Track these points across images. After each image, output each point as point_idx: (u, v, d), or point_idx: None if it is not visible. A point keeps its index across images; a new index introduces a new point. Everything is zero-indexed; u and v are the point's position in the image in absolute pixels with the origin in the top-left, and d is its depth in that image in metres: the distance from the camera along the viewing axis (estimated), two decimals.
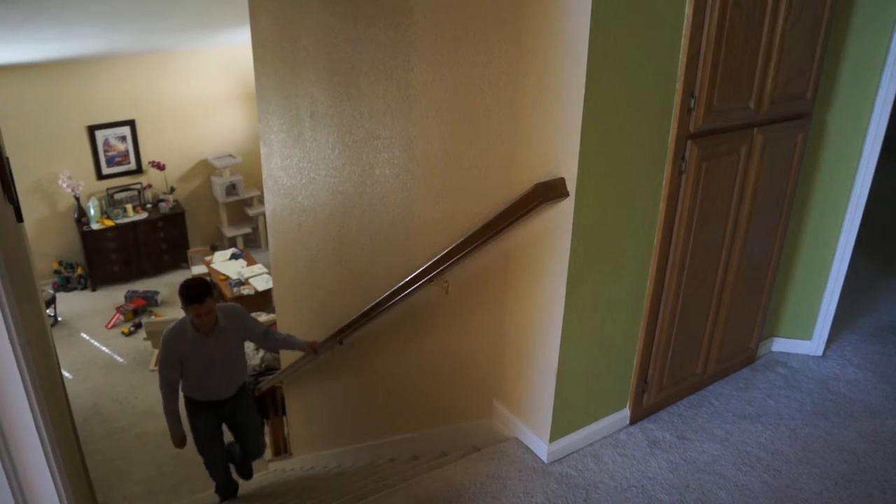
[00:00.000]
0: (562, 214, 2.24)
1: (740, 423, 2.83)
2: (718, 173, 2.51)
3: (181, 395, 3.58)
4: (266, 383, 4.80)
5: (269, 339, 3.71)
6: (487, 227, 2.41)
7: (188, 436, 3.68)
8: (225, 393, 3.62)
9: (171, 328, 3.41)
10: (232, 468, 4.14)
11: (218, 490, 4.12)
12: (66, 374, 6.33)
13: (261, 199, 8.73)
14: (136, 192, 8.16)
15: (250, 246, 8.95)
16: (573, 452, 2.65)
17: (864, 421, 2.84)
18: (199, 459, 3.83)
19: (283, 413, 4.94)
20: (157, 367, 3.51)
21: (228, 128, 8.62)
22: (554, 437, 2.58)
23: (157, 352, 6.71)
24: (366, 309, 3.11)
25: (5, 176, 2.47)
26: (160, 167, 8.13)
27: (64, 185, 7.52)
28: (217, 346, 3.45)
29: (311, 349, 3.60)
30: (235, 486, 4.18)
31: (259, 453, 4.01)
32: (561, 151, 2.19)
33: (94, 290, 8.02)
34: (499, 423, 2.88)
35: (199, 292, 3.26)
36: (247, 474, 4.22)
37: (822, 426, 2.81)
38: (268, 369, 5.22)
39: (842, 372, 3.18)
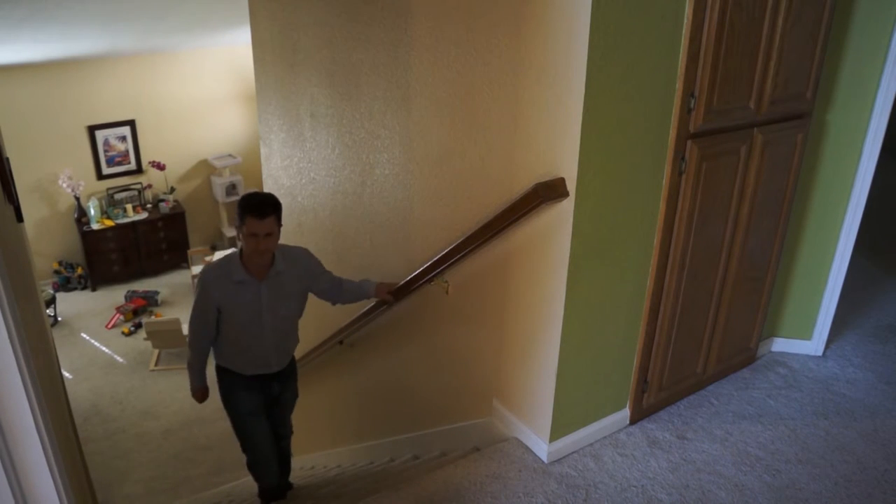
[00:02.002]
0: (562, 214, 2.24)
1: (740, 423, 2.83)
2: (718, 173, 2.51)
3: (214, 366, 2.92)
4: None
5: (339, 289, 2.91)
6: (487, 227, 2.41)
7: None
8: (275, 364, 2.85)
9: (213, 265, 2.68)
10: None
11: (264, 493, 3.27)
12: (66, 374, 6.33)
13: None
14: (136, 192, 8.16)
15: None
16: (573, 452, 2.65)
17: (864, 421, 2.84)
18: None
19: None
20: (189, 320, 2.75)
21: (228, 128, 8.62)
22: (554, 437, 2.58)
23: (157, 353, 6.71)
24: (366, 309, 3.11)
25: (5, 176, 2.47)
26: (160, 167, 8.13)
27: (64, 185, 7.52)
28: (270, 298, 2.67)
29: (388, 295, 2.88)
30: (288, 486, 3.42)
31: (290, 433, 3.29)
32: (561, 151, 2.19)
33: (94, 290, 8.02)
34: (499, 423, 2.88)
35: (262, 201, 2.50)
36: (283, 470, 3.36)
37: (822, 426, 2.81)
38: None
39: (842, 372, 3.18)
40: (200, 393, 2.96)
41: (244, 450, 3.04)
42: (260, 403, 2.92)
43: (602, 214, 2.29)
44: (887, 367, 3.21)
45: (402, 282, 2.82)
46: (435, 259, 2.63)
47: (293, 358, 3.03)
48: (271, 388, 2.92)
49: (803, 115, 2.71)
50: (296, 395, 3.17)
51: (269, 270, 2.63)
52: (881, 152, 2.87)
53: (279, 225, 2.54)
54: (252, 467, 3.12)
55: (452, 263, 2.57)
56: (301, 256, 2.78)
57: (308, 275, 2.79)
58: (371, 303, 3.04)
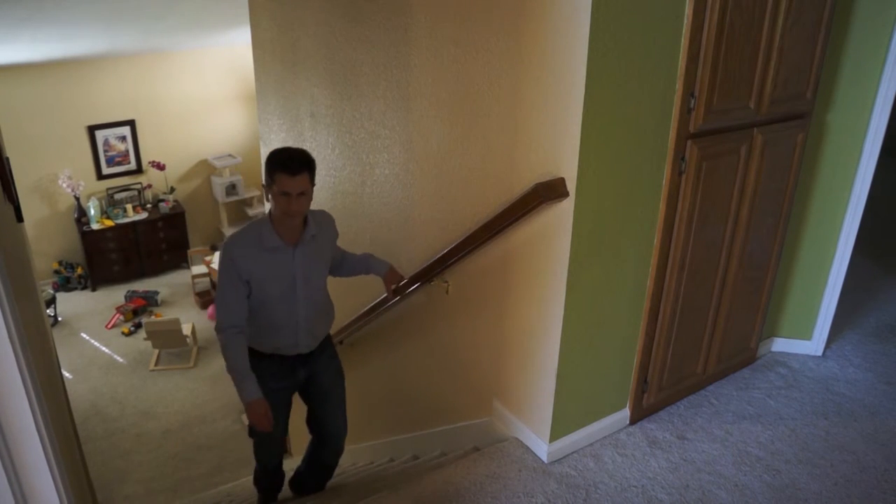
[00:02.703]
0: (562, 214, 2.24)
1: (740, 423, 2.83)
2: (718, 173, 2.51)
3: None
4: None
5: (342, 260, 2.69)
6: (487, 227, 2.41)
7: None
8: (304, 345, 2.49)
9: (237, 234, 2.36)
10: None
11: (260, 481, 2.99)
12: (66, 374, 6.33)
13: (261, 199, 8.73)
14: (136, 192, 8.16)
15: None
16: (573, 452, 2.65)
17: (864, 421, 2.84)
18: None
19: None
20: (215, 298, 2.40)
21: (228, 128, 8.62)
22: (554, 437, 2.58)
23: (157, 353, 6.71)
24: (366, 309, 3.11)
25: (5, 176, 2.47)
26: (160, 167, 8.13)
27: (64, 185, 7.52)
28: (304, 265, 2.38)
29: (393, 288, 2.66)
30: (282, 480, 3.06)
31: (344, 432, 2.80)
32: (561, 151, 2.20)
33: (94, 290, 8.02)
34: (499, 423, 2.88)
35: (293, 156, 2.22)
36: (326, 474, 2.97)
37: (822, 426, 2.81)
38: None
39: (842, 372, 3.18)
40: (256, 407, 2.30)
41: (251, 432, 2.70)
42: (285, 393, 2.55)
43: (602, 214, 2.29)
44: (887, 367, 3.21)
45: (406, 279, 2.81)
46: (435, 259, 2.63)
47: (328, 336, 2.64)
48: (296, 374, 2.53)
49: (803, 115, 2.71)
50: (339, 373, 2.69)
51: (303, 234, 2.35)
52: (881, 152, 2.87)
53: (312, 184, 2.26)
54: (256, 449, 2.79)
55: (452, 263, 2.57)
56: (328, 219, 2.54)
57: (333, 235, 2.55)
58: (371, 303, 3.04)
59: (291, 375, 2.53)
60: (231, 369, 2.32)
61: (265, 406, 2.32)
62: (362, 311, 3.14)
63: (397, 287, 2.67)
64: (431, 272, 2.67)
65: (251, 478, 3.14)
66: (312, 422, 2.75)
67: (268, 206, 2.42)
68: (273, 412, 2.38)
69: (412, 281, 2.76)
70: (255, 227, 2.34)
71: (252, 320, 2.39)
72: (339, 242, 2.61)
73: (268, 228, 2.31)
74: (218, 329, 2.35)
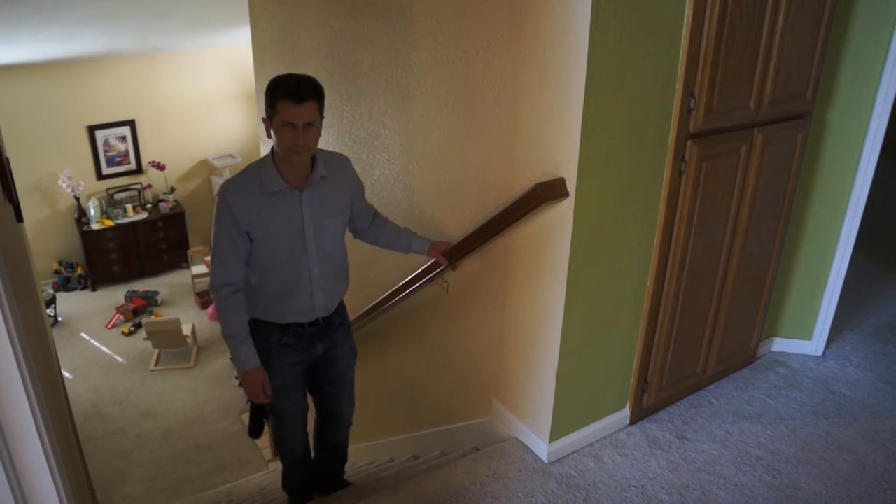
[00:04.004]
0: (562, 214, 2.24)
1: (740, 423, 2.83)
2: (718, 173, 2.51)
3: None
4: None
5: (375, 220, 2.38)
6: (487, 227, 2.41)
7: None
8: (320, 306, 2.20)
9: (235, 177, 2.06)
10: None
11: (290, 480, 2.66)
12: (66, 374, 6.33)
13: None
14: (136, 192, 8.15)
15: None
16: (573, 452, 2.65)
17: (864, 421, 2.84)
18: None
19: None
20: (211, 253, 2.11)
21: (228, 128, 8.61)
22: (554, 437, 2.58)
23: (157, 353, 6.71)
24: (366, 309, 3.11)
25: (5, 176, 2.47)
26: (160, 167, 8.13)
27: (64, 185, 7.52)
28: (314, 212, 2.08)
29: (443, 256, 2.41)
30: (311, 474, 2.72)
31: (353, 410, 2.58)
32: (561, 151, 2.19)
33: (94, 290, 8.02)
34: (499, 423, 2.88)
35: (299, 80, 1.92)
36: (341, 452, 2.70)
37: (822, 426, 2.81)
38: None
39: (842, 372, 3.18)
40: (252, 377, 2.10)
41: (275, 428, 2.42)
42: (299, 368, 2.28)
43: (602, 214, 2.29)
44: (887, 367, 3.21)
45: (401, 282, 2.81)
46: (433, 260, 2.63)
47: (342, 304, 2.35)
48: (314, 349, 2.26)
49: (803, 115, 2.71)
50: (353, 353, 2.46)
51: (311, 175, 2.05)
52: (881, 152, 2.87)
53: (322, 116, 1.97)
54: (280, 449, 2.50)
55: (446, 268, 2.57)
56: (343, 160, 2.22)
57: (352, 183, 2.23)
58: (371, 303, 3.03)
59: (310, 348, 2.26)
60: (226, 334, 2.08)
61: (262, 376, 2.12)
62: (362, 311, 3.14)
63: (446, 253, 2.40)
64: (431, 272, 2.66)
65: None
66: (322, 400, 2.49)
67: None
68: (290, 391, 2.22)
69: (411, 282, 2.76)
70: (254, 169, 2.04)
71: (262, 286, 2.12)
72: None
73: (270, 169, 2.00)
74: (211, 288, 2.08)
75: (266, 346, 2.18)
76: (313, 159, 2.08)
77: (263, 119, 2.00)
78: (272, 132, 1.97)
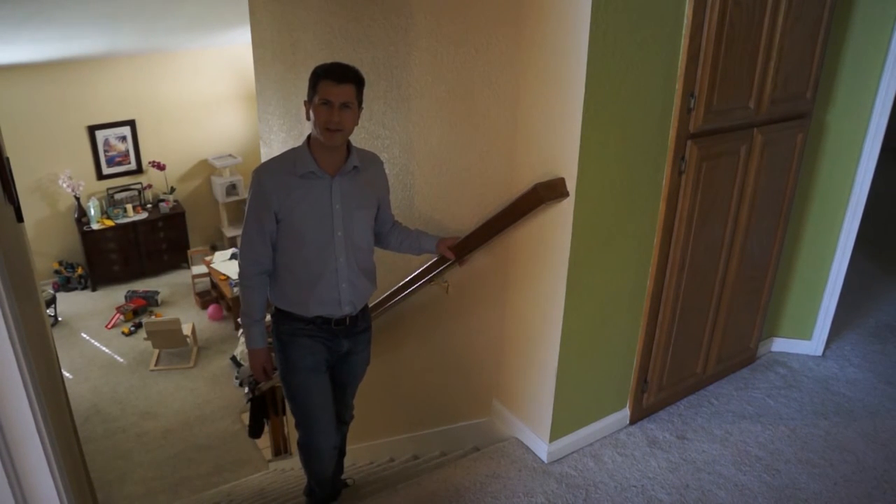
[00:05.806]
0: (562, 214, 2.24)
1: (740, 423, 2.83)
2: (718, 173, 2.51)
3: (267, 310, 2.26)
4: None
5: (393, 226, 2.43)
6: (487, 227, 2.41)
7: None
8: (346, 300, 2.20)
9: (270, 159, 2.15)
10: None
11: (314, 493, 2.59)
12: (66, 374, 6.33)
13: None
14: (136, 192, 8.15)
15: None
16: (573, 452, 2.65)
17: (864, 421, 2.84)
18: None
19: (284, 413, 4.94)
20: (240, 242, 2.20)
21: (228, 128, 8.61)
22: (554, 436, 2.58)
23: (157, 353, 6.71)
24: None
25: (5, 176, 2.46)
26: (160, 167, 8.13)
27: (64, 185, 7.52)
28: (344, 202, 2.11)
29: (450, 251, 2.43)
30: (342, 483, 2.74)
31: (349, 420, 2.60)
32: (561, 151, 2.19)
33: (94, 290, 8.02)
34: (499, 423, 2.88)
35: (341, 64, 2.00)
36: (339, 470, 2.70)
37: (822, 426, 2.81)
38: None
39: (842, 372, 3.18)
40: (257, 356, 2.20)
41: (300, 425, 2.35)
42: (323, 360, 2.26)
43: (602, 214, 2.29)
44: (887, 367, 3.21)
45: (401, 282, 2.81)
46: (435, 259, 2.63)
47: (368, 310, 2.37)
48: (339, 345, 2.26)
49: (803, 115, 2.71)
50: (367, 362, 2.47)
51: (345, 164, 2.09)
52: (881, 152, 2.87)
53: (359, 103, 2.03)
54: (306, 448, 2.39)
55: (452, 263, 2.57)
56: (377, 159, 2.27)
57: (383, 183, 2.28)
58: (372, 301, 3.03)
59: (334, 344, 2.25)
60: (244, 312, 2.18)
61: (267, 357, 2.22)
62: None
63: (453, 248, 2.42)
64: (431, 272, 2.66)
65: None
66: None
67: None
68: (317, 389, 2.24)
69: (411, 282, 2.76)
70: (290, 153, 2.11)
71: (288, 272, 2.15)
72: None
73: (304, 152, 2.06)
74: (241, 275, 2.16)
75: (298, 334, 2.22)
76: (348, 150, 2.12)
77: (305, 102, 2.06)
78: (311, 112, 2.02)
